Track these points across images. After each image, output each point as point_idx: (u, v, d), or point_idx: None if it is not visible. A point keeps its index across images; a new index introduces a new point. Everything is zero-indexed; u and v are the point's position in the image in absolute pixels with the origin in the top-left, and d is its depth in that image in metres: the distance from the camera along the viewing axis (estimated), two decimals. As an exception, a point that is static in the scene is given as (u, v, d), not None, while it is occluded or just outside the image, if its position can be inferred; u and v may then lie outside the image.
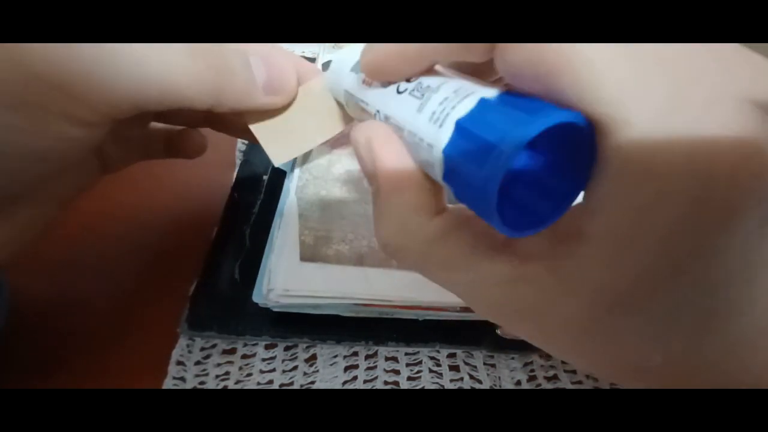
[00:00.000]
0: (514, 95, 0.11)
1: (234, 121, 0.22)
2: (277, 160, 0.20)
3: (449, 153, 0.11)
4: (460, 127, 0.11)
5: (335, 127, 0.20)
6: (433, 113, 0.12)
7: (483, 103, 0.11)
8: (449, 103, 0.12)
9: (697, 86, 0.09)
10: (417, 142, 0.13)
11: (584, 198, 0.11)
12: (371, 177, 0.14)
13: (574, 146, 0.10)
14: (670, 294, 0.10)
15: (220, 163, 0.34)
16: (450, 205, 0.14)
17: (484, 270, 0.12)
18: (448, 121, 0.12)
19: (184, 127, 0.23)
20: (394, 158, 0.13)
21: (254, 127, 0.19)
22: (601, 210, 0.10)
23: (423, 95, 0.13)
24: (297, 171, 0.29)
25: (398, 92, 0.14)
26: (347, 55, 0.17)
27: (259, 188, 0.32)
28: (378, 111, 0.15)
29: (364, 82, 0.16)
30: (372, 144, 0.13)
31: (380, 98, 0.15)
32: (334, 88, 0.18)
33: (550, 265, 0.11)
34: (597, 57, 0.09)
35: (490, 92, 0.12)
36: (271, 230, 0.27)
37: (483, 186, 0.10)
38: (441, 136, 0.12)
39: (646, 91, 0.09)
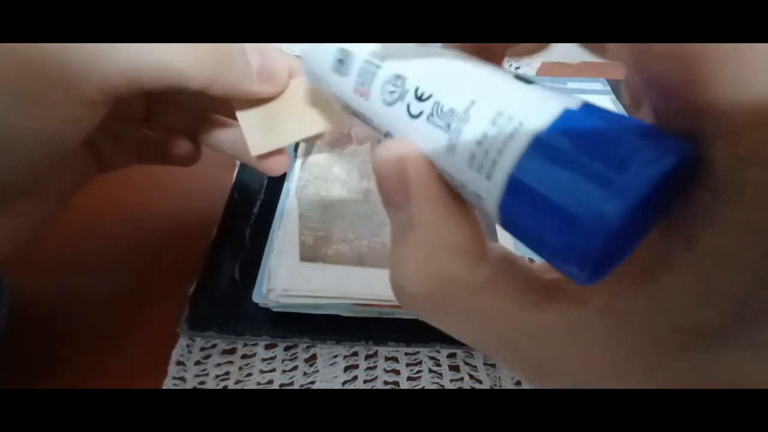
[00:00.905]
0: (587, 112, 0.08)
1: (221, 127, 0.22)
2: (256, 150, 0.20)
3: (507, 210, 0.09)
4: (519, 183, 0.08)
5: (319, 126, 0.20)
6: (473, 157, 0.09)
7: (539, 144, 0.08)
8: (491, 144, 0.09)
9: None
10: (456, 185, 0.10)
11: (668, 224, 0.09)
12: (398, 204, 0.11)
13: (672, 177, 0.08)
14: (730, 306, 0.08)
15: (220, 163, 0.34)
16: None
17: (532, 321, 0.10)
18: (497, 172, 0.09)
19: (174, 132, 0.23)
20: (435, 186, 0.11)
21: (240, 114, 0.20)
22: (705, 234, 0.08)
23: (449, 125, 0.10)
24: (297, 171, 0.29)
25: (411, 115, 0.11)
26: (318, 49, 0.14)
27: (259, 188, 0.32)
28: (389, 133, 0.12)
29: (356, 91, 0.13)
30: (406, 165, 0.11)
31: (388, 119, 0.12)
32: (317, 86, 0.15)
33: (609, 308, 0.09)
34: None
35: (545, 115, 0.08)
36: (271, 230, 0.27)
37: (570, 249, 0.08)
38: (492, 190, 0.09)
39: None
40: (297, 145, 0.32)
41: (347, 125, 0.32)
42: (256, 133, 0.20)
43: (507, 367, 0.12)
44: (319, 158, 0.30)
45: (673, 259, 0.08)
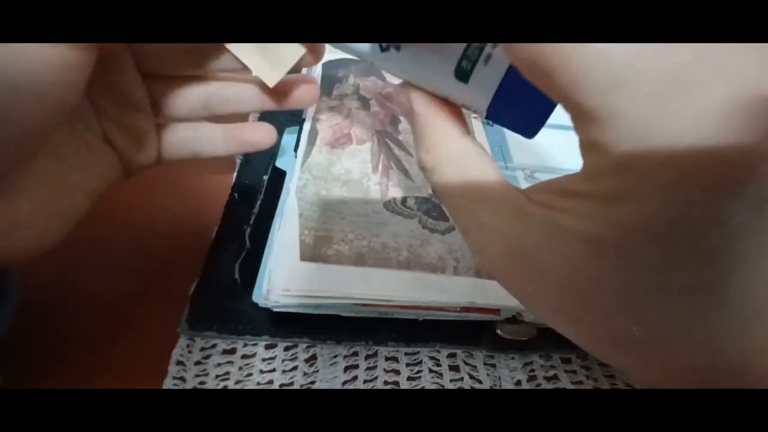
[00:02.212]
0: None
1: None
2: (271, 79, 0.20)
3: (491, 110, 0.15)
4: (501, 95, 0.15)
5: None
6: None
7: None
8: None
9: (695, 76, 0.09)
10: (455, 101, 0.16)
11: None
12: (408, 113, 0.16)
13: None
14: (657, 260, 0.10)
15: (220, 163, 0.34)
16: None
17: (497, 194, 0.13)
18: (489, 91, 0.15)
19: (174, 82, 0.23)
20: (425, 96, 0.16)
21: (238, 50, 0.19)
22: (591, 173, 0.11)
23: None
24: (297, 171, 0.29)
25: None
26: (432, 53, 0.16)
27: (259, 188, 0.32)
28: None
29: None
30: (410, 90, 0.16)
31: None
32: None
33: (551, 213, 0.12)
34: (594, 53, 0.10)
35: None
36: (271, 230, 0.27)
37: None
38: (482, 102, 0.15)
39: (638, 81, 0.09)
40: (297, 146, 0.32)
41: (347, 125, 0.32)
42: (262, 65, 0.20)
43: (471, 236, 0.14)
44: (319, 158, 0.30)
45: (579, 187, 0.11)
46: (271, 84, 0.20)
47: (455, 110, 0.16)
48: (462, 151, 0.15)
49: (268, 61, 0.20)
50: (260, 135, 0.25)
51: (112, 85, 0.21)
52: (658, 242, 0.10)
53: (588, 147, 0.10)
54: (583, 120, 0.10)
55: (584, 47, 0.10)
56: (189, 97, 0.23)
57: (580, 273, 0.11)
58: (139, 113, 0.22)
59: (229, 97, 0.23)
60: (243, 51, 0.20)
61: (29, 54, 0.14)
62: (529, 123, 0.15)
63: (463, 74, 0.15)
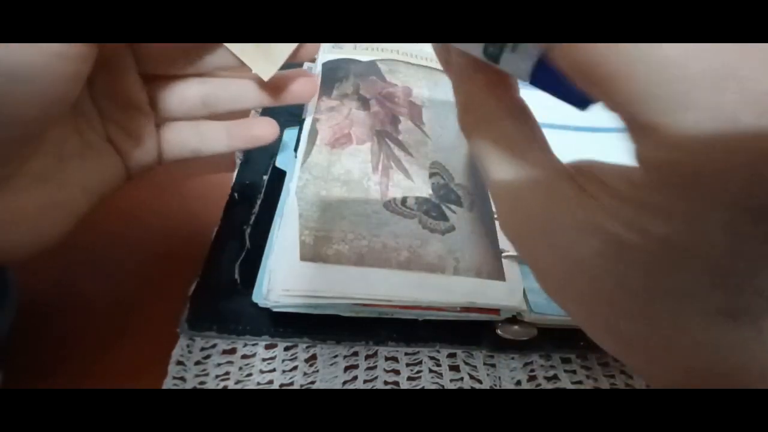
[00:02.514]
0: None
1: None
2: (267, 73, 0.20)
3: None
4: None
5: None
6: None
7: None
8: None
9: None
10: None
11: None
12: (455, 72, 0.15)
13: None
14: (691, 275, 0.10)
15: (220, 163, 0.34)
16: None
17: (536, 170, 0.13)
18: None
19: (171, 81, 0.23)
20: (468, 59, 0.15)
21: (234, 46, 0.20)
22: (644, 184, 0.10)
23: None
24: (297, 171, 0.29)
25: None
26: None
27: (259, 188, 0.32)
28: None
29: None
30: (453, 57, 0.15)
31: None
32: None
33: (590, 201, 0.11)
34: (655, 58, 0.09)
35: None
36: (271, 230, 0.27)
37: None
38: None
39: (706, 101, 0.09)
40: (297, 145, 0.32)
41: (347, 125, 0.32)
42: (257, 60, 0.20)
43: (501, 201, 0.14)
44: (319, 158, 0.30)
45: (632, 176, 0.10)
46: (266, 78, 0.20)
47: (501, 73, 0.15)
48: (506, 113, 0.14)
49: (262, 56, 0.20)
50: (263, 130, 0.25)
51: (113, 86, 0.21)
52: (691, 261, 0.10)
53: (644, 158, 0.10)
54: (642, 132, 0.10)
55: (643, 53, 0.09)
56: (188, 95, 0.23)
57: (603, 267, 0.11)
58: (139, 114, 0.22)
59: (227, 95, 0.23)
60: (238, 47, 0.20)
61: (28, 44, 0.14)
62: (576, 101, 0.13)
63: (492, 56, 0.14)
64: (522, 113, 0.14)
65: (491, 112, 0.14)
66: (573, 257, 0.11)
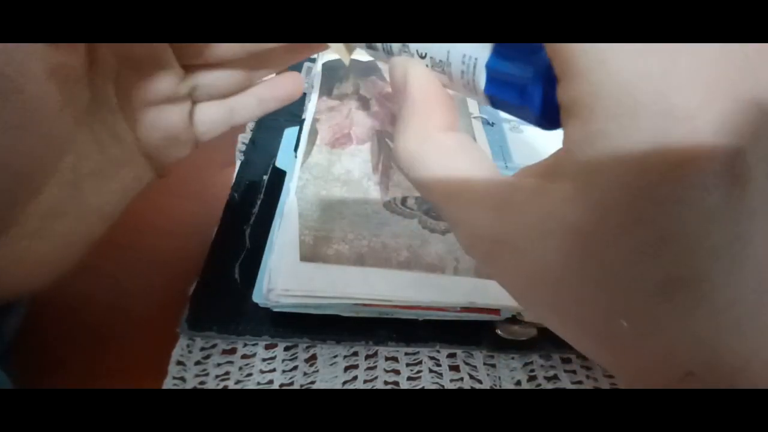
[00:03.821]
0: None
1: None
2: (348, 59, 0.22)
3: (492, 65, 0.14)
4: (491, 82, 0.14)
5: None
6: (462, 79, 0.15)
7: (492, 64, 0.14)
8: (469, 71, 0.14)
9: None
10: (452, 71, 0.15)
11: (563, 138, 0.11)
12: (400, 91, 0.15)
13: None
14: (632, 244, 0.10)
15: (220, 163, 0.34)
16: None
17: (476, 188, 0.13)
18: (478, 85, 0.14)
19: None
20: (424, 79, 0.15)
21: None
22: (572, 152, 0.10)
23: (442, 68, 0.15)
24: (297, 171, 0.29)
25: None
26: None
27: (259, 188, 0.32)
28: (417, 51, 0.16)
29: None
30: (408, 69, 0.15)
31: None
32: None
33: (535, 200, 0.11)
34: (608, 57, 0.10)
35: (486, 50, 0.14)
36: (271, 230, 0.27)
37: (529, 82, 0.13)
38: (478, 95, 0.14)
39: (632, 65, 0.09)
40: (297, 145, 0.32)
41: (347, 125, 0.32)
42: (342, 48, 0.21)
43: (445, 219, 0.14)
44: (319, 158, 0.30)
45: (560, 165, 0.11)
46: (346, 61, 0.22)
47: (449, 100, 0.15)
48: (452, 143, 0.14)
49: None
50: (289, 87, 0.24)
51: (149, 84, 0.19)
52: (630, 229, 0.10)
53: (571, 123, 0.10)
54: (569, 80, 0.10)
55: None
56: (227, 78, 0.22)
57: (567, 262, 0.11)
58: (175, 107, 0.21)
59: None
60: None
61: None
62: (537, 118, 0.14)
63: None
64: (468, 142, 0.14)
65: (442, 143, 0.14)
66: (546, 269, 0.11)
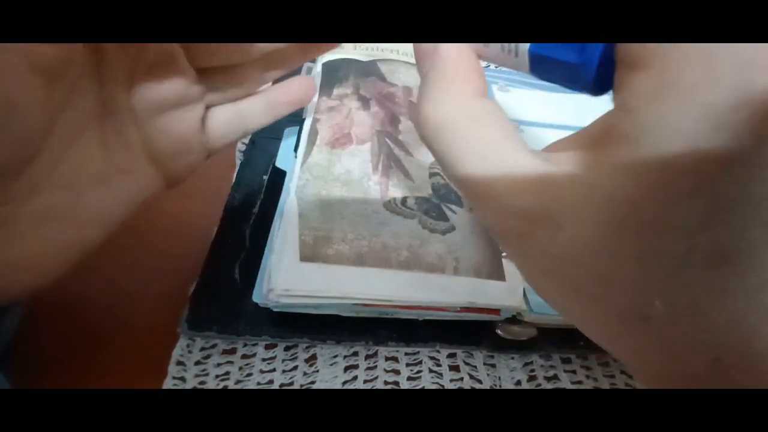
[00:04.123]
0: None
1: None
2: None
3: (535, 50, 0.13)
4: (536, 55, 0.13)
5: None
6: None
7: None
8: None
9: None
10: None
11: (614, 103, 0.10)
12: (428, 54, 0.14)
13: None
14: (689, 214, 0.09)
15: (220, 163, 0.34)
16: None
17: (511, 160, 0.12)
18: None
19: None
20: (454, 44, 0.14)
21: None
22: (634, 111, 0.10)
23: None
24: (297, 171, 0.29)
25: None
26: None
27: (259, 188, 0.32)
28: None
29: None
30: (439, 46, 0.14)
31: None
32: None
33: (578, 172, 0.11)
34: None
35: None
36: (271, 230, 0.27)
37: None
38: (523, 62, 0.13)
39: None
40: (297, 145, 0.32)
41: (347, 125, 0.32)
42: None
43: (470, 195, 0.13)
44: (319, 158, 0.30)
45: (616, 131, 0.10)
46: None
47: (480, 65, 0.14)
48: (485, 111, 0.13)
49: None
50: (300, 91, 0.24)
51: (162, 87, 0.19)
52: (692, 196, 0.09)
53: (637, 77, 0.10)
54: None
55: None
56: (239, 79, 0.22)
57: (605, 238, 0.10)
58: (186, 111, 0.20)
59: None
60: None
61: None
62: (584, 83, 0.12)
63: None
64: (498, 112, 0.13)
65: (471, 111, 0.13)
66: (580, 246, 0.11)
